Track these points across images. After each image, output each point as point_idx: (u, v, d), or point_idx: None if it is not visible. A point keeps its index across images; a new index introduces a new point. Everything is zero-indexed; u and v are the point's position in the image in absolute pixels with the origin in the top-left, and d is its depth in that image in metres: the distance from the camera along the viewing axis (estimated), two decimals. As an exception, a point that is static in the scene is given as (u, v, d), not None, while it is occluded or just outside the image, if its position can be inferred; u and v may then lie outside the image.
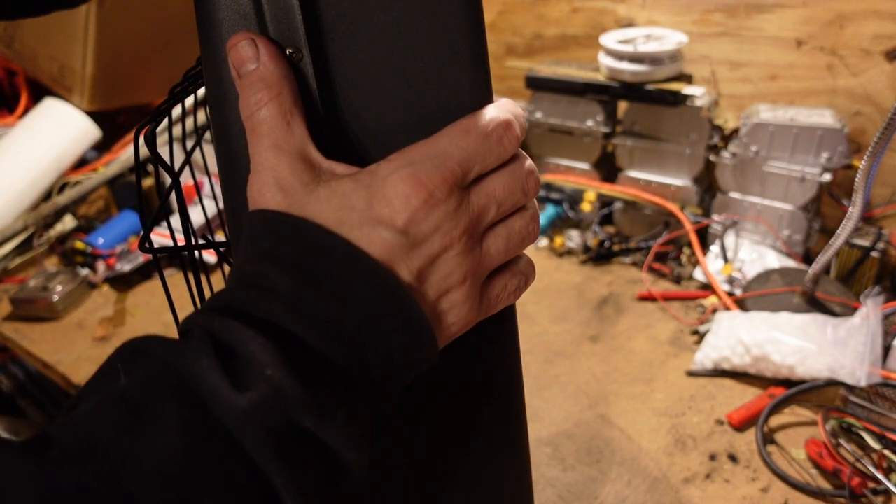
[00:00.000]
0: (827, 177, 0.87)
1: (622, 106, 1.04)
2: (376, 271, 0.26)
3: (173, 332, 0.76)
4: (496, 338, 0.35)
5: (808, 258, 0.95)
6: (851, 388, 0.68)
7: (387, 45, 0.29)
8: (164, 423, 0.23)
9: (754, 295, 0.85)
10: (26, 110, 1.27)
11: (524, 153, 0.31)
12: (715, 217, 0.98)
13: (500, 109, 0.29)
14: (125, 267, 1.02)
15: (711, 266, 0.93)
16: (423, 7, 0.29)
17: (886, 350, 0.72)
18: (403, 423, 0.34)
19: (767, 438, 0.68)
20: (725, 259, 0.93)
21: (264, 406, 0.23)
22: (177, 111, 1.00)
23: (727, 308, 0.86)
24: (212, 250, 0.37)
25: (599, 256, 1.01)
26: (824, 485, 0.62)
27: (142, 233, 0.37)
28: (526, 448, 0.40)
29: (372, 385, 0.26)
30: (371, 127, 0.30)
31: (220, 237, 0.95)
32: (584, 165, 1.07)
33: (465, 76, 0.30)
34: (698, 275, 0.94)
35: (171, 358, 0.24)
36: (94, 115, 1.18)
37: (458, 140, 0.28)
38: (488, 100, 0.30)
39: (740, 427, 0.70)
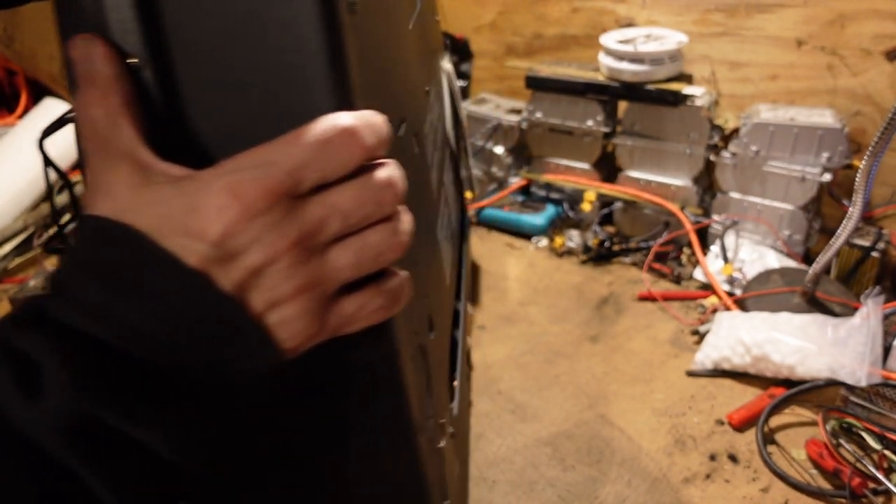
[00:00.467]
0: (827, 177, 0.87)
1: (622, 106, 1.04)
2: (192, 281, 0.26)
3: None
4: (357, 342, 0.33)
5: (808, 258, 0.95)
6: (852, 389, 0.68)
7: (233, 54, 0.29)
8: None
9: (754, 295, 0.85)
10: (26, 110, 1.27)
11: (388, 164, 0.30)
12: (715, 217, 0.98)
13: (346, 117, 0.28)
14: (125, 267, 1.02)
15: (711, 266, 0.93)
16: (272, 17, 0.28)
17: (887, 350, 0.72)
18: (262, 423, 0.34)
19: (768, 438, 0.68)
20: (725, 259, 0.93)
21: (58, 410, 0.23)
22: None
23: (727, 308, 0.86)
24: None
25: (599, 256, 1.01)
26: (825, 485, 0.62)
27: (52, 231, 0.39)
28: (413, 448, 0.39)
29: (196, 388, 0.27)
30: (217, 133, 0.30)
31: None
32: (584, 165, 1.07)
33: (318, 84, 0.29)
34: (698, 275, 0.94)
35: None
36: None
37: (289, 147, 0.27)
38: (343, 108, 0.29)
39: (740, 427, 0.69)
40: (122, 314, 0.25)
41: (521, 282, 0.98)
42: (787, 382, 0.74)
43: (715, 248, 0.96)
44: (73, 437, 0.23)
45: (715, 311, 0.87)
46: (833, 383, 0.71)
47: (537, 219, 1.07)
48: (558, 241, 1.03)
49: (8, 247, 1.07)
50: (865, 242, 0.86)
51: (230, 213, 0.26)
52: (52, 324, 0.25)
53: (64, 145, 1.16)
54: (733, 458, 0.66)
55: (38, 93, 1.27)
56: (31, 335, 0.25)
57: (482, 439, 0.69)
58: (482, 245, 1.07)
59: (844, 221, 0.73)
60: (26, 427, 0.23)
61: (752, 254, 0.94)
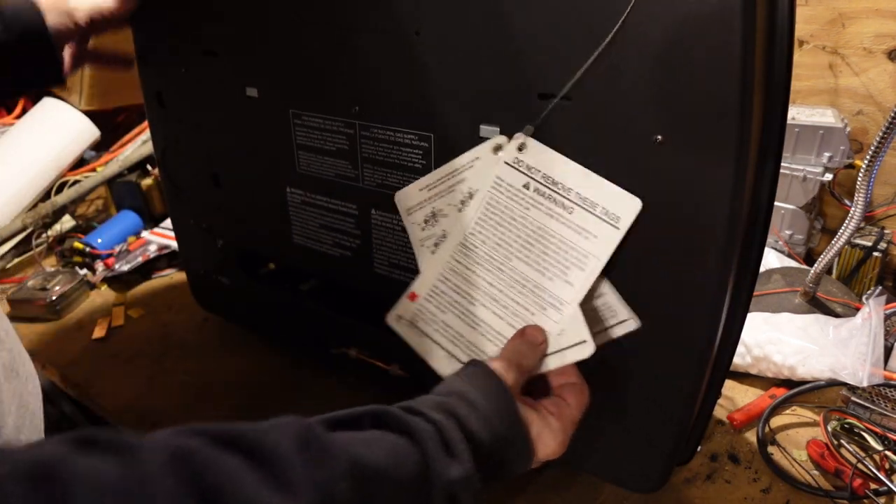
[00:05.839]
0: (829, 176, 0.87)
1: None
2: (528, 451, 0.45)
3: (172, 333, 0.76)
4: None
5: (809, 258, 0.95)
6: (853, 389, 0.68)
7: None
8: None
9: (756, 295, 0.85)
10: (25, 110, 1.26)
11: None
12: (716, 217, 0.98)
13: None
14: (123, 267, 1.01)
15: (712, 266, 0.93)
16: None
17: (888, 350, 0.72)
18: None
19: (769, 439, 0.67)
20: (726, 259, 0.92)
21: (463, 471, 0.37)
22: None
23: (728, 308, 0.86)
24: None
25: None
26: (826, 485, 0.62)
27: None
28: None
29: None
30: None
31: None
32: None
33: None
34: (699, 275, 0.94)
35: (421, 442, 0.36)
36: (93, 115, 1.17)
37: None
38: None
39: (741, 427, 0.69)
40: (494, 432, 0.40)
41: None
42: (789, 383, 0.74)
43: (716, 248, 0.96)
44: (465, 491, 0.37)
45: (716, 311, 0.86)
46: (834, 384, 0.71)
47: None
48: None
49: (6, 246, 1.07)
50: (867, 242, 0.86)
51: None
52: (456, 417, 0.40)
53: (61, 145, 1.16)
54: (734, 459, 0.66)
55: (37, 92, 1.27)
56: (448, 421, 0.39)
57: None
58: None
59: (846, 221, 0.73)
60: (445, 477, 0.36)
61: (752, 254, 0.93)
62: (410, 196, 0.54)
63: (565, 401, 0.47)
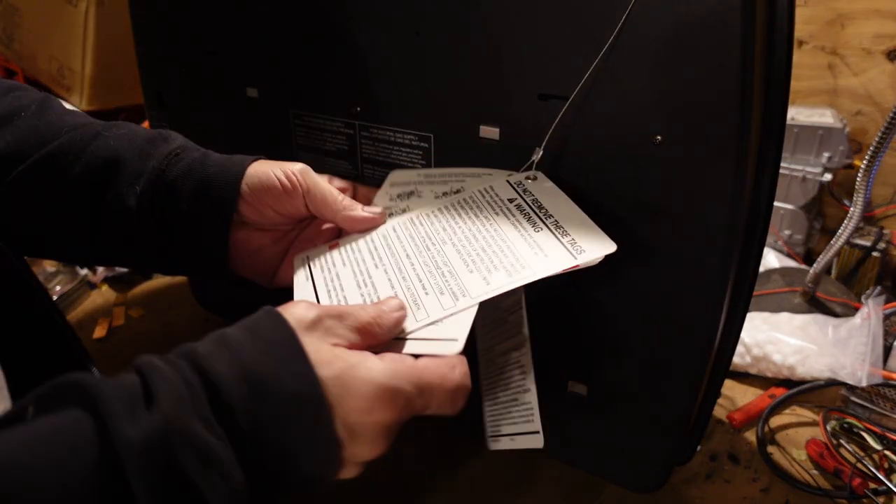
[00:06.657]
0: (828, 176, 0.87)
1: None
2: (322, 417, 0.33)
3: (173, 333, 0.77)
4: None
5: (808, 258, 0.95)
6: (852, 389, 0.68)
7: None
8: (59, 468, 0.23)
9: (755, 295, 0.85)
10: (25, 110, 1.26)
11: None
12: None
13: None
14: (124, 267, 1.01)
15: (712, 266, 0.93)
16: None
17: (887, 350, 0.72)
18: None
19: (768, 439, 0.68)
20: (726, 259, 0.93)
21: (151, 440, 0.25)
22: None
23: (728, 308, 0.86)
24: None
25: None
26: (825, 485, 0.62)
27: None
28: None
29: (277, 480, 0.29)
30: None
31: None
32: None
33: None
34: (699, 275, 0.94)
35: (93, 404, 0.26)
36: (94, 115, 1.17)
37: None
38: None
39: (741, 427, 0.69)
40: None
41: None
42: (788, 382, 0.74)
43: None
44: (150, 470, 0.25)
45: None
46: (834, 383, 0.71)
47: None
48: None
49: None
50: (866, 242, 0.86)
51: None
52: (190, 358, 0.29)
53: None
54: (734, 459, 0.66)
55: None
56: (167, 365, 0.29)
57: (482, 439, 0.69)
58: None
59: (845, 221, 0.73)
60: (117, 445, 0.25)
61: (752, 254, 0.94)
62: (406, 176, 0.55)
63: (413, 357, 0.36)
